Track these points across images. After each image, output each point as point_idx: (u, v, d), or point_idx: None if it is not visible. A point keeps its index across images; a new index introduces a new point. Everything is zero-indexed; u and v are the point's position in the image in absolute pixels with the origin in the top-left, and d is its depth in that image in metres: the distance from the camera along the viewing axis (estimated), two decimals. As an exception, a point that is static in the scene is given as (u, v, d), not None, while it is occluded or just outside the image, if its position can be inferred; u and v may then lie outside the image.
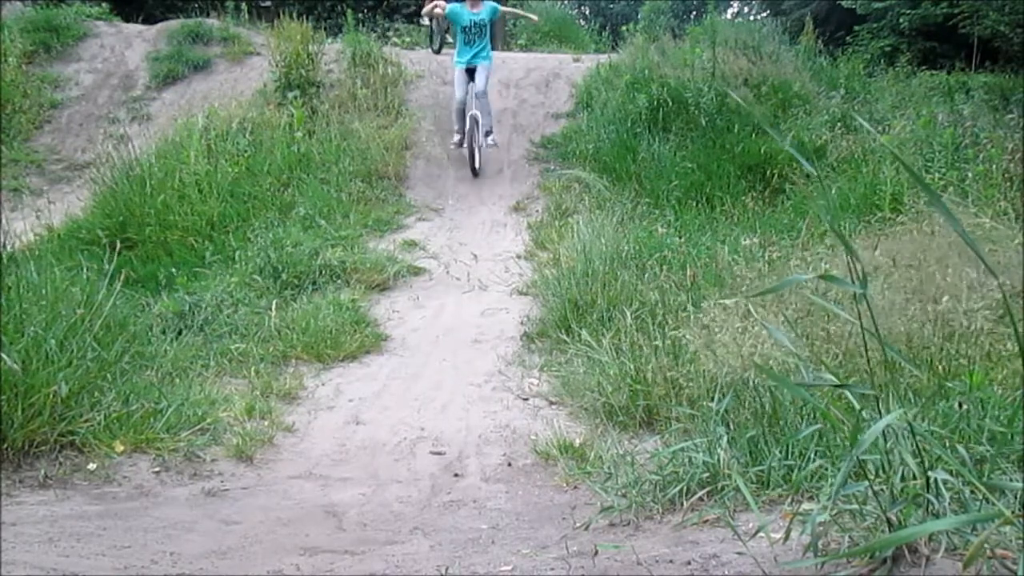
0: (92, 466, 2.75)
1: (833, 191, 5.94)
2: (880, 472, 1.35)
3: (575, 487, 2.79)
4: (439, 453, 3.36)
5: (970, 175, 5.33)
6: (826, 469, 1.78)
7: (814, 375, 1.88)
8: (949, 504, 1.32)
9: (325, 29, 9.93)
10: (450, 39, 8.85)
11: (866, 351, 1.16)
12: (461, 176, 7.63)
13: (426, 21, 9.82)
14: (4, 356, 2.59)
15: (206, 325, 4.60)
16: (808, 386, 1.59)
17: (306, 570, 1.99)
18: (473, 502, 2.78)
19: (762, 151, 7.03)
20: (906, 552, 1.21)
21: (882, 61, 11.37)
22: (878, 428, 1.08)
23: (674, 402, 3.12)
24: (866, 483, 1.31)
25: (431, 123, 8.20)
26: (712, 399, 2.59)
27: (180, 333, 4.41)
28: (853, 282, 1.12)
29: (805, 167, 1.14)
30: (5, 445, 2.62)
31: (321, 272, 5.40)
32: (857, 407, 1.59)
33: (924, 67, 10.75)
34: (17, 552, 1.92)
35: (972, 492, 1.30)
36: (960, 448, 1.50)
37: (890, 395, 1.69)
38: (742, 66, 8.60)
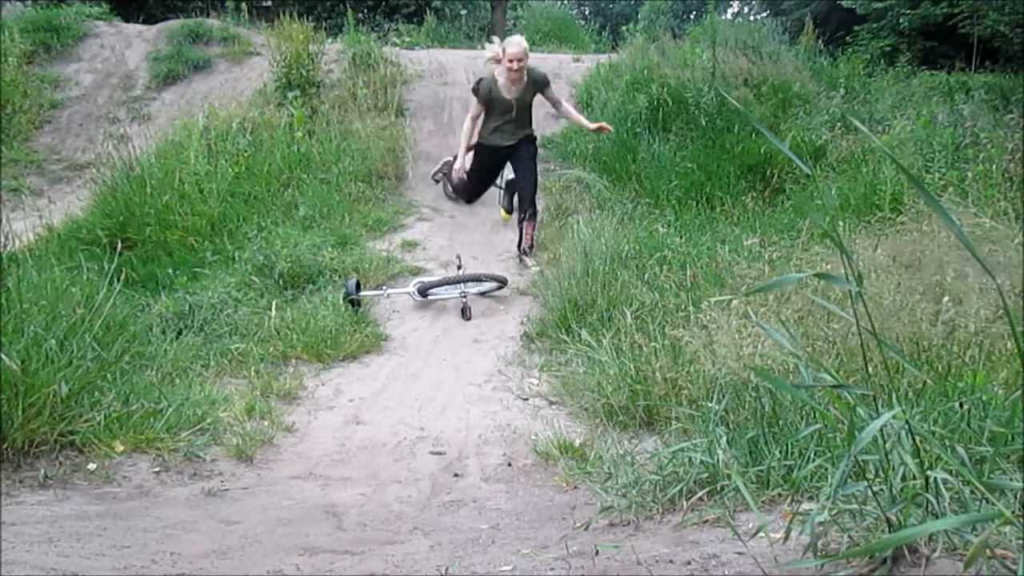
0: (92, 466, 2.75)
1: (833, 191, 5.94)
2: (880, 472, 1.35)
3: (575, 487, 2.79)
4: (439, 453, 3.36)
5: (970, 175, 5.33)
6: (825, 469, 1.78)
7: (813, 375, 1.88)
8: (949, 504, 1.32)
9: (325, 29, 9.93)
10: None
11: (863, 351, 1.16)
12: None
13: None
14: (4, 356, 2.59)
15: (206, 325, 4.60)
16: (803, 387, 1.59)
17: (306, 570, 1.99)
18: (473, 502, 2.77)
19: (762, 151, 7.03)
20: (906, 552, 1.21)
21: (882, 61, 11.37)
22: (875, 427, 1.08)
23: (674, 402, 3.12)
24: (866, 483, 1.31)
25: (431, 123, 8.20)
26: (712, 399, 2.59)
27: (180, 333, 4.41)
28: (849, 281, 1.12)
29: (803, 169, 1.13)
30: (5, 445, 2.61)
31: (321, 272, 5.40)
32: (856, 407, 1.59)
33: (924, 67, 10.76)
34: (17, 552, 1.92)
35: (972, 492, 1.30)
36: (960, 448, 1.50)
37: (893, 395, 1.68)
38: (742, 66, 8.61)
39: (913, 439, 1.25)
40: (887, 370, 1.14)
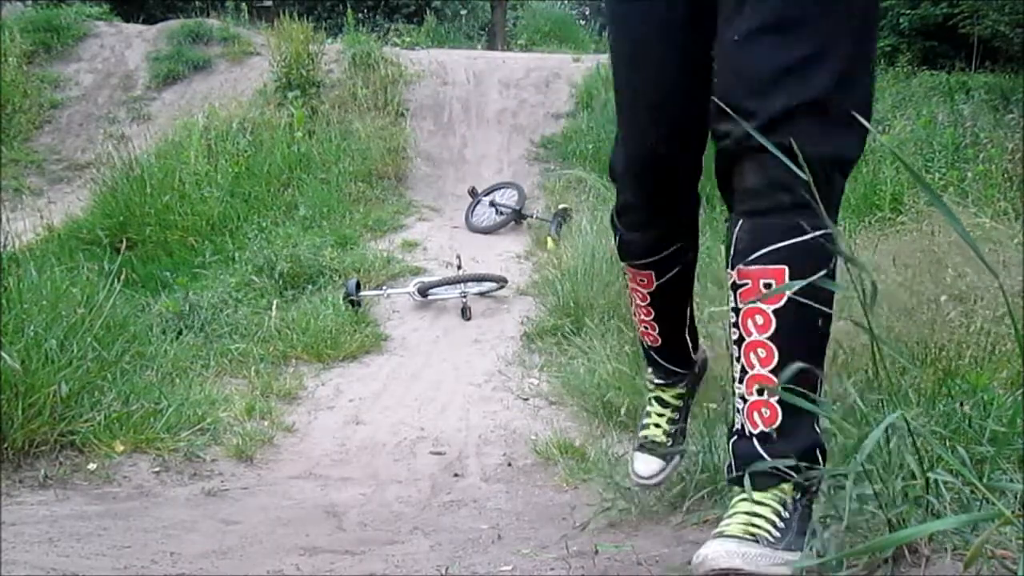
0: (92, 466, 2.75)
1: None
2: (882, 472, 1.35)
3: (575, 487, 2.79)
4: (439, 453, 3.36)
5: (970, 175, 5.33)
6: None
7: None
8: (949, 504, 1.32)
9: (325, 29, 9.94)
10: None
11: (874, 354, 1.15)
12: (460, 176, 7.63)
13: None
14: (4, 355, 2.59)
15: (206, 325, 4.60)
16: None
17: (306, 570, 1.99)
18: (473, 502, 2.77)
19: (762, 151, 7.02)
20: (906, 552, 1.21)
21: (882, 61, 11.35)
22: (878, 432, 1.08)
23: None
24: (866, 483, 1.31)
25: (431, 123, 8.20)
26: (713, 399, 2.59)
27: (180, 333, 4.41)
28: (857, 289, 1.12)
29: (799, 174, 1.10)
30: (5, 445, 2.61)
31: (321, 272, 5.40)
32: (860, 409, 1.59)
33: (924, 67, 10.75)
34: (17, 552, 1.92)
35: (972, 492, 1.30)
36: (961, 448, 1.49)
37: (896, 396, 1.68)
38: (742, 66, 8.60)
39: (914, 440, 1.25)
40: (892, 371, 1.14)
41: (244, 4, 11.85)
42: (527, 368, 4.31)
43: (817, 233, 1.19)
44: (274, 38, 8.60)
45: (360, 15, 12.11)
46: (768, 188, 1.25)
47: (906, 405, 1.77)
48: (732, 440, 1.35)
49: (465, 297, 5.17)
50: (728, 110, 1.23)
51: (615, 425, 3.32)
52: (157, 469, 2.88)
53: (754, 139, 1.12)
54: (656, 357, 1.94)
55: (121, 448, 2.85)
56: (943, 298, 3.18)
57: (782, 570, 1.20)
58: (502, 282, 5.36)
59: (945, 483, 1.31)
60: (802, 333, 1.26)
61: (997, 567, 1.14)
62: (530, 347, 4.57)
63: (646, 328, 1.88)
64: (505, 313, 5.16)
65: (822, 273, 1.19)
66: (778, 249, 1.24)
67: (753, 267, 1.27)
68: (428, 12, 13.35)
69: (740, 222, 1.30)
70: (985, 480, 1.38)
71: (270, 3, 13.60)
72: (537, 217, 6.66)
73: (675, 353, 1.92)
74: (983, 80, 9.92)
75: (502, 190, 7.01)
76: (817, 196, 1.11)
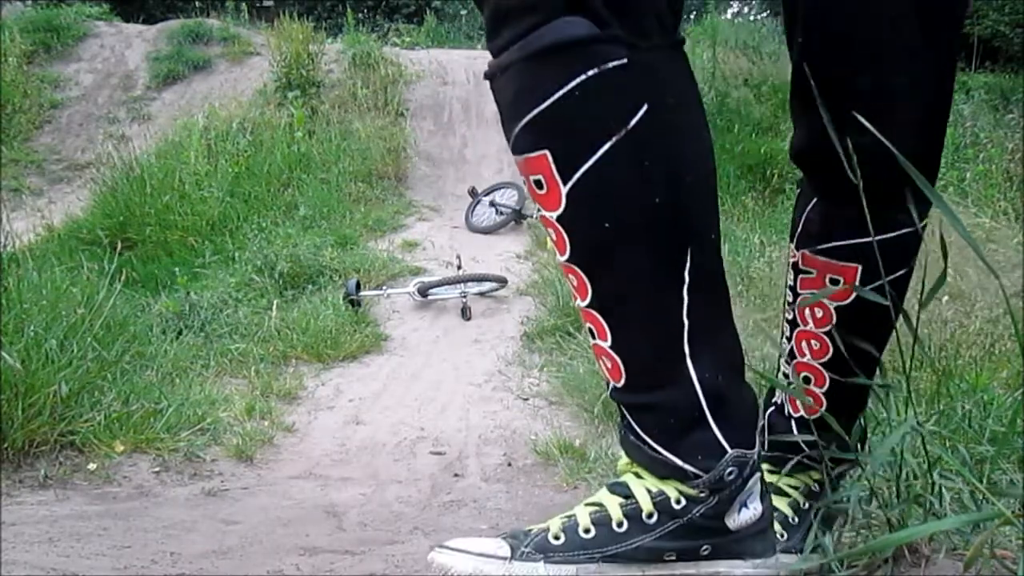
0: (92, 466, 2.75)
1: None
2: (882, 472, 1.35)
3: (575, 487, 2.80)
4: (439, 453, 3.37)
5: (970, 175, 5.34)
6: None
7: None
8: (950, 504, 1.32)
9: (325, 29, 9.95)
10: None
11: (902, 353, 1.14)
12: (460, 176, 7.63)
13: None
14: (4, 355, 2.59)
15: (206, 325, 4.60)
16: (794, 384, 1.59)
17: (306, 570, 1.99)
18: (473, 502, 2.77)
19: (762, 151, 7.03)
20: (906, 552, 1.21)
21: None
22: (893, 440, 1.08)
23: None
24: (867, 483, 1.31)
25: (431, 123, 8.20)
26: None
27: (180, 333, 4.42)
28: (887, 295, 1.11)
29: (853, 177, 1.06)
30: (5, 445, 2.61)
31: (321, 272, 5.41)
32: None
33: (924, 67, 10.74)
34: (17, 552, 1.92)
35: (972, 492, 1.30)
36: (961, 448, 1.50)
37: (899, 397, 1.68)
38: (742, 66, 8.61)
39: (922, 441, 1.25)
40: (903, 370, 1.13)
41: (244, 4, 11.86)
42: (527, 368, 4.31)
43: (903, 231, 1.06)
44: (274, 38, 8.61)
45: (360, 15, 12.13)
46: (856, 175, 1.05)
47: (910, 404, 1.78)
48: (769, 411, 1.28)
49: (465, 297, 5.17)
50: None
51: (615, 425, 3.33)
52: (157, 469, 2.88)
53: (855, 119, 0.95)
54: (622, 409, 1.03)
55: (121, 448, 2.85)
56: (943, 298, 3.18)
57: (781, 571, 1.21)
58: (502, 282, 5.35)
59: (945, 483, 1.31)
60: (864, 333, 1.14)
61: (997, 567, 1.14)
62: (530, 347, 4.58)
63: (588, 319, 0.98)
64: (505, 313, 5.16)
65: (900, 273, 1.06)
66: (854, 246, 1.10)
67: (821, 258, 1.13)
68: (428, 12, 13.35)
69: (815, 201, 1.16)
70: (985, 480, 1.38)
71: (270, 3, 13.61)
72: (537, 217, 6.65)
73: (667, 407, 0.96)
74: (983, 80, 9.93)
75: (502, 190, 7.02)
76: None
